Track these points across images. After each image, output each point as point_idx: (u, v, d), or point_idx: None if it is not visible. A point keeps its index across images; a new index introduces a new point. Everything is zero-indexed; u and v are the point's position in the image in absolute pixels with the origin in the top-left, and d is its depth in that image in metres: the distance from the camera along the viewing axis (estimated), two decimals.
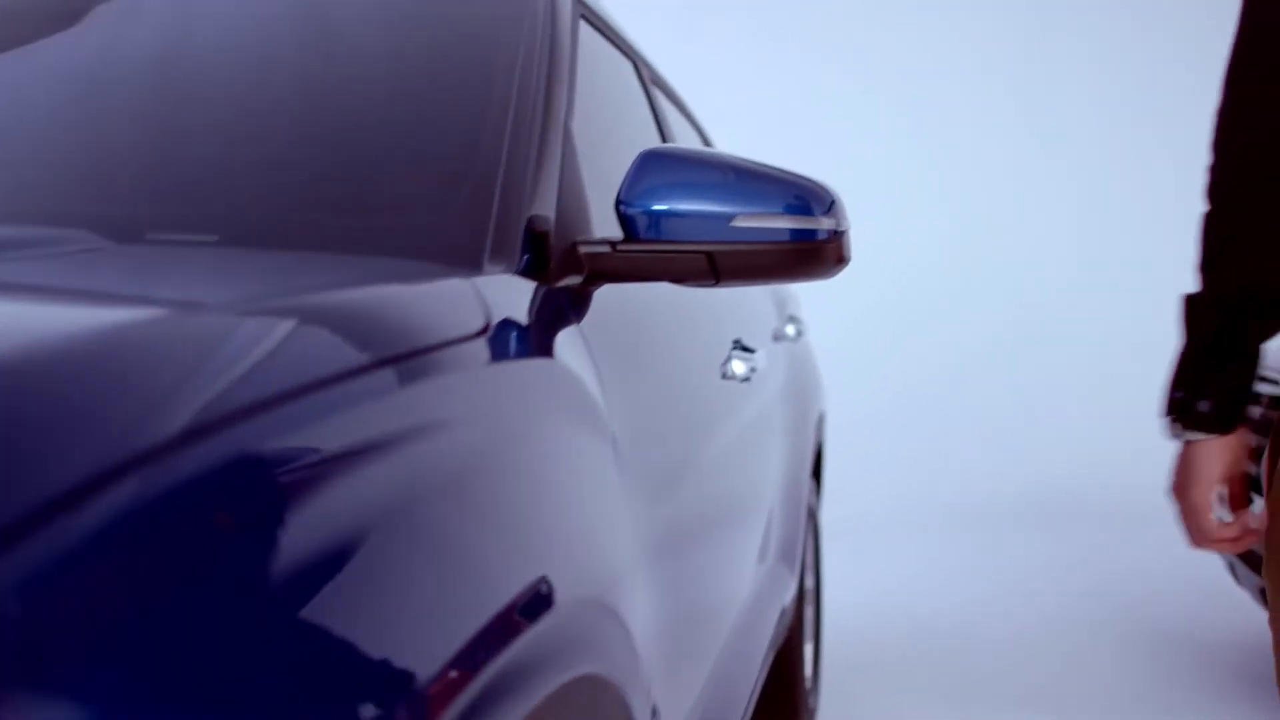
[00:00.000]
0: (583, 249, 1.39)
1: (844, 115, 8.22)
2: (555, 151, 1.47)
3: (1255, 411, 3.68)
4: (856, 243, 7.71)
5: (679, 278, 1.41)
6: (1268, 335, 1.34)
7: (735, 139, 7.35)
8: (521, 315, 1.14)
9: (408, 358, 0.86)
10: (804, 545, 3.21)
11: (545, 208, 1.38)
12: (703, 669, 1.74)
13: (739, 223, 1.38)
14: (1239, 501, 1.42)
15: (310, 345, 0.80)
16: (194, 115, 1.50)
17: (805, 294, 6.61)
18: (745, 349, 2.15)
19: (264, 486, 0.65)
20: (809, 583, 3.58)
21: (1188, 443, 1.39)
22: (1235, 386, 1.35)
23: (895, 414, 7.72)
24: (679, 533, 1.55)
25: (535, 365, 1.09)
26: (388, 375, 0.84)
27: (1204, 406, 1.35)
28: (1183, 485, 1.39)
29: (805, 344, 3.47)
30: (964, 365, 7.92)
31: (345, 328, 0.84)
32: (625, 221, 1.38)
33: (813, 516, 3.57)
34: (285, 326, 0.79)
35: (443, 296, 1.00)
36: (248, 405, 0.68)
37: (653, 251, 1.38)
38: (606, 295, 1.49)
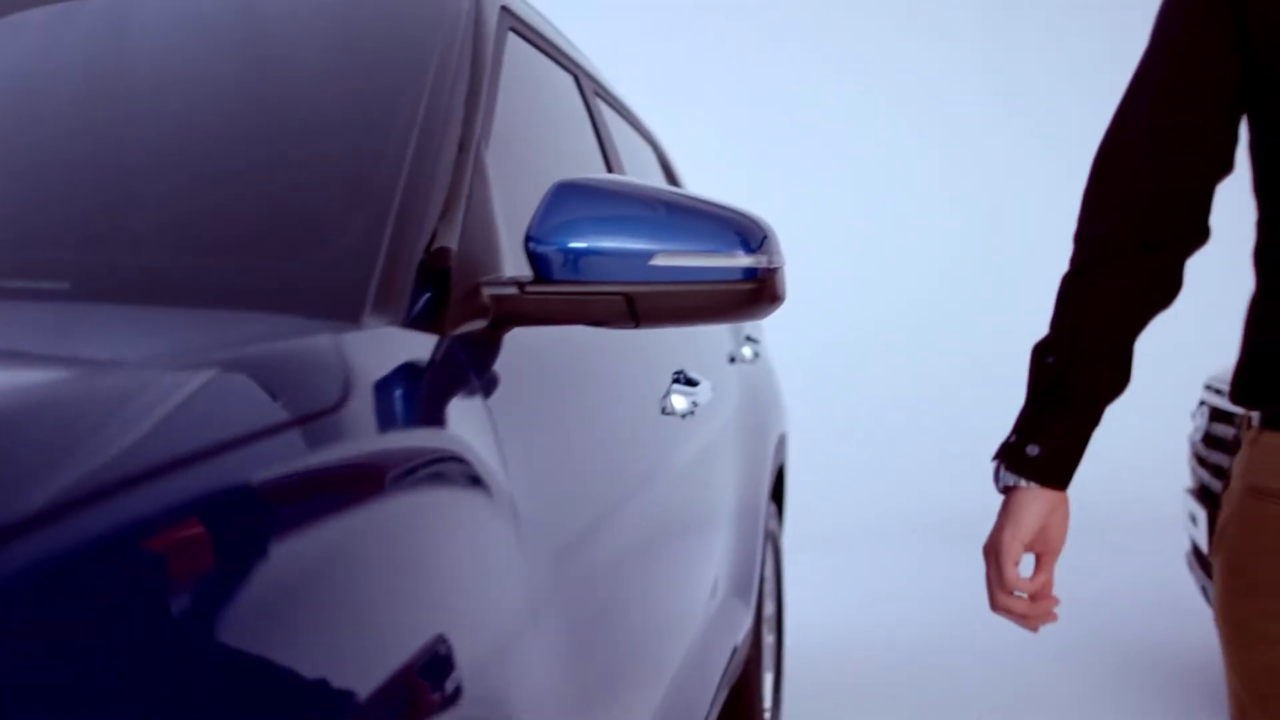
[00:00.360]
0: (487, 291, 1.27)
1: (842, 121, 8.10)
2: (464, 179, 1.35)
3: (1229, 432, 3.59)
4: (844, 258, 7.61)
5: (595, 321, 1.29)
6: (1103, 391, 1.36)
7: (708, 137, 7.22)
8: (396, 377, 1.01)
9: (221, 450, 0.74)
10: (762, 573, 3.10)
11: (447, 245, 1.25)
12: (642, 718, 1.64)
13: (660, 261, 1.26)
14: (1041, 568, 1.42)
15: (126, 430, 0.69)
16: (33, 142, 1.36)
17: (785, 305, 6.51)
18: (688, 382, 2.03)
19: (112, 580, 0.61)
20: (769, 609, 3.46)
21: (1011, 490, 1.40)
22: (1066, 438, 1.36)
23: (866, 429, 7.62)
24: (603, 588, 1.43)
25: (404, 439, 0.96)
26: (207, 468, 0.72)
27: (1032, 450, 1.37)
28: (995, 532, 1.40)
29: (764, 364, 3.35)
30: (938, 379, 7.83)
31: (155, 411, 0.72)
32: (535, 260, 1.26)
33: (773, 541, 3.45)
34: (108, 405, 0.67)
35: (285, 364, 0.87)
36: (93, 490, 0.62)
37: (565, 294, 1.26)
38: (522, 336, 1.37)
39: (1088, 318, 1.36)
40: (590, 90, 2.30)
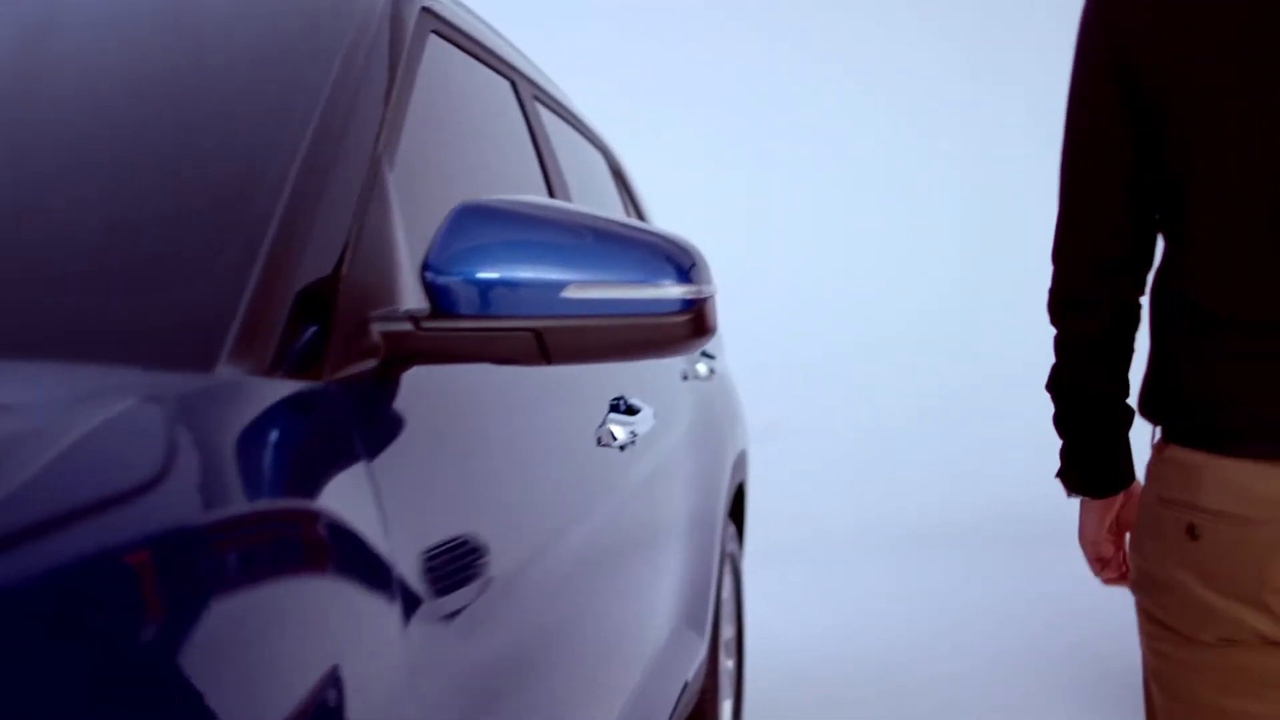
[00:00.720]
0: (378, 327, 1.14)
1: (838, 123, 7.94)
2: (361, 199, 1.22)
3: None
4: (837, 263, 7.44)
5: (500, 359, 1.16)
6: (1113, 422, 1.52)
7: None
8: (249, 435, 0.87)
9: (16, 539, 0.61)
10: (719, 596, 2.97)
11: (333, 274, 1.12)
12: None
13: (573, 293, 1.14)
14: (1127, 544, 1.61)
15: None
16: None
17: (754, 305, 6.41)
18: (628, 410, 1.90)
19: None
20: (728, 632, 3.34)
21: (1080, 500, 1.61)
22: (1098, 461, 1.55)
23: (851, 434, 7.48)
24: (525, 647, 1.30)
25: (248, 509, 0.82)
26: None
27: (1075, 475, 1.56)
28: (1079, 532, 1.63)
29: (721, 380, 3.21)
30: (928, 387, 7.68)
31: None
32: (433, 292, 1.13)
33: (732, 562, 3.33)
34: None
35: (103, 430, 0.74)
36: None
37: (466, 329, 1.13)
38: (425, 371, 1.23)
39: (1072, 370, 1.52)
40: (530, 96, 2.16)
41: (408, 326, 1.13)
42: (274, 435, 0.90)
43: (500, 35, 2.18)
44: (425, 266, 1.13)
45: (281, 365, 1.00)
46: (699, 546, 2.63)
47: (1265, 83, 1.30)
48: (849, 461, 7.29)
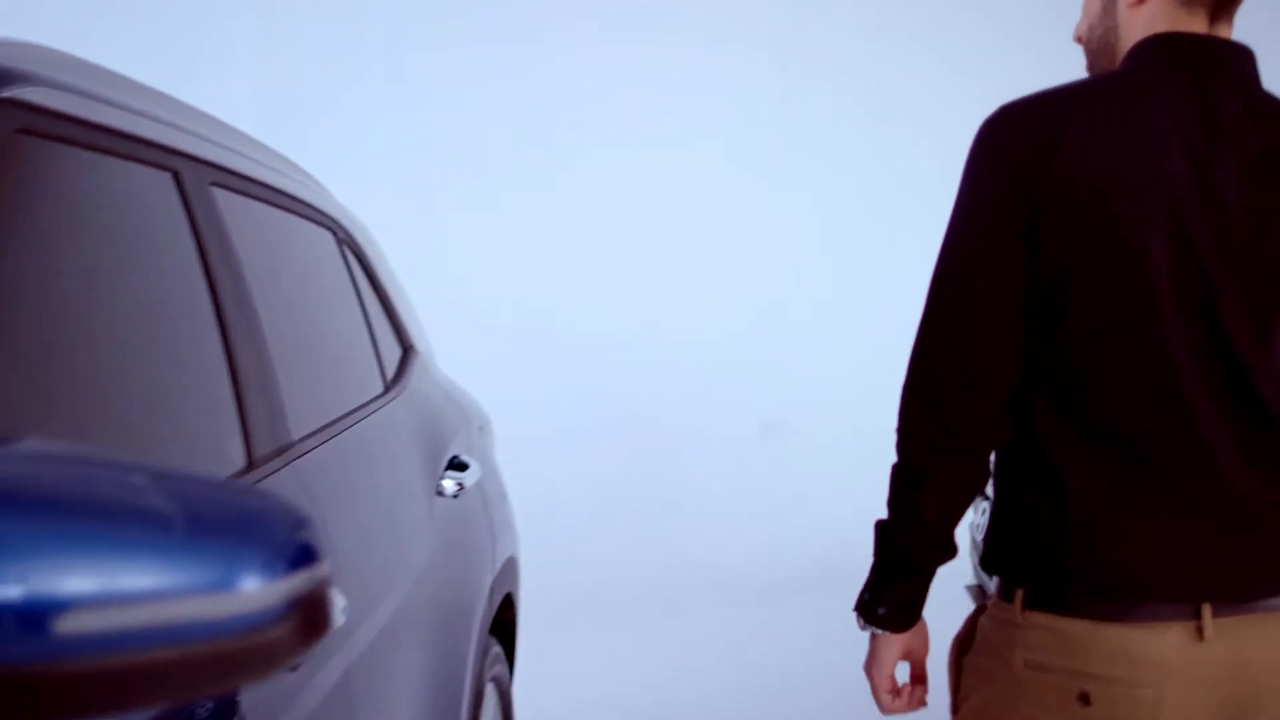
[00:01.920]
0: None
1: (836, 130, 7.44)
2: None
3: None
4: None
5: None
6: (936, 563, 1.57)
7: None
8: None
9: None
10: None
11: None
12: None
13: (81, 621, 0.72)
14: (918, 676, 1.67)
15: None
16: None
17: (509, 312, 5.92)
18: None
19: None
20: None
21: (872, 635, 1.63)
22: (908, 598, 1.59)
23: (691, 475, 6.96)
24: None
25: None
26: None
27: (882, 611, 1.59)
28: (868, 666, 1.65)
29: (480, 488, 2.78)
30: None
31: None
32: None
33: (498, 685, 2.92)
34: None
35: None
36: None
37: None
38: None
39: (919, 513, 1.53)
40: (204, 185, 1.71)
41: None
42: None
43: (169, 108, 1.72)
44: None
45: None
46: (440, 695, 2.22)
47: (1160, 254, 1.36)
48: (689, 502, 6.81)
